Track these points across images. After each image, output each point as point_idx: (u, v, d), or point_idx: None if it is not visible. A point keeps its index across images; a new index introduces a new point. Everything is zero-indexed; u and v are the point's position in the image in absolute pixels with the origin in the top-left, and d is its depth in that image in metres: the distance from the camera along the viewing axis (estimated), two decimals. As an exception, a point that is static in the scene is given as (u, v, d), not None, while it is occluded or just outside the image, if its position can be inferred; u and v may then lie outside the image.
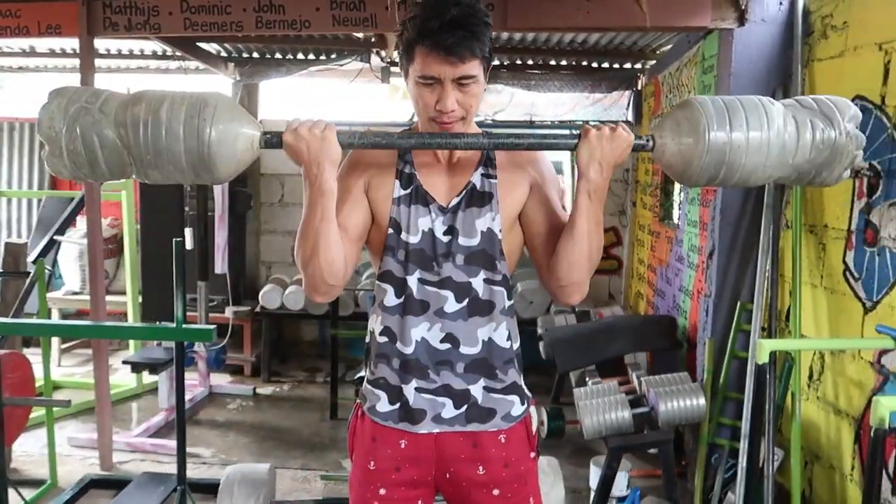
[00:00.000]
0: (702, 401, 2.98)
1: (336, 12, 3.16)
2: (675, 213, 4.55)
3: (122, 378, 4.81)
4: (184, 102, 1.30)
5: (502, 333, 1.50)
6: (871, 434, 1.61)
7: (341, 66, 4.53)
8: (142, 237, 4.03)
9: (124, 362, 3.89)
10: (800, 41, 2.99)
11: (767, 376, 2.09)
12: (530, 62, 5.24)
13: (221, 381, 5.02)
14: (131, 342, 4.78)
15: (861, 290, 2.69)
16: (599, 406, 3.04)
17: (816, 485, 2.89)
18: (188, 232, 4.09)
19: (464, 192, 1.47)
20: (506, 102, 5.38)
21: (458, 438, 1.49)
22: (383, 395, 1.50)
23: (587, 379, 3.58)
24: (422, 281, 1.46)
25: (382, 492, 1.50)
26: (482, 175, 1.48)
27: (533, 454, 1.57)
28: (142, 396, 4.69)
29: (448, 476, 1.51)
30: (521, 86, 5.25)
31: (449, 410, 1.48)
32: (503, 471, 1.50)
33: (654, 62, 4.95)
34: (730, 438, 3.25)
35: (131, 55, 5.22)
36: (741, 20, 3.06)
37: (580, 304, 5.16)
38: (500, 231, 1.48)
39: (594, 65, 5.27)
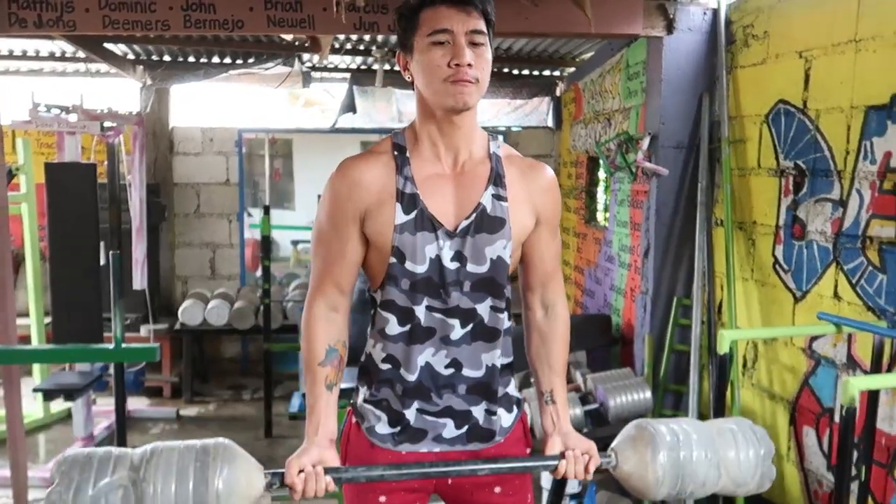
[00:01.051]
0: (648, 394, 3.09)
1: (271, 12, 3.04)
2: (602, 214, 4.71)
3: (25, 407, 4.40)
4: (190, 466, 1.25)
5: (502, 355, 1.47)
6: (843, 413, 1.72)
7: (267, 69, 4.37)
8: (51, 253, 3.70)
9: (35, 390, 3.55)
10: (723, 49, 3.18)
11: (728, 365, 2.21)
12: (453, 68, 5.26)
13: (140, 404, 4.69)
14: (35, 368, 4.38)
15: (791, 281, 2.88)
16: (551, 405, 3.08)
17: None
18: (102, 246, 3.79)
19: (473, 214, 1.37)
20: (429, 108, 5.38)
21: (458, 454, 1.46)
22: (384, 417, 1.45)
23: (532, 380, 3.61)
24: (430, 308, 1.39)
25: (382, 499, 1.45)
26: (493, 196, 1.39)
27: (529, 450, 1.57)
28: (51, 427, 4.31)
29: (450, 482, 1.47)
30: (445, 92, 5.26)
31: (450, 430, 1.44)
32: (516, 481, 1.49)
33: (573, 69, 5.11)
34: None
35: (25, 56, 4.81)
36: (669, 29, 3.21)
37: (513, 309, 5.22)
38: (510, 258, 1.41)
39: (514, 72, 5.38)
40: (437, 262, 1.37)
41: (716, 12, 3.20)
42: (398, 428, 1.44)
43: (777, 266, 2.95)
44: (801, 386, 2.83)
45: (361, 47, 4.44)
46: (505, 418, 1.48)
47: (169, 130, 5.39)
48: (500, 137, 1.49)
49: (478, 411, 1.45)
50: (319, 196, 1.48)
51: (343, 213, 1.37)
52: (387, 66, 4.42)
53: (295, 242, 8.50)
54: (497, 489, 1.48)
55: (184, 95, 5.51)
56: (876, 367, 2.31)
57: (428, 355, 1.41)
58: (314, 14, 3.05)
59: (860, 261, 2.53)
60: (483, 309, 1.40)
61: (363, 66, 5.16)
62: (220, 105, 5.76)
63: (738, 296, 3.11)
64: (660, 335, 3.42)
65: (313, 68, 5.04)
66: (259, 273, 5.89)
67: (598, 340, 3.84)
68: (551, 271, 1.50)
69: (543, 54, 4.92)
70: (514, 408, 1.52)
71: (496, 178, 1.40)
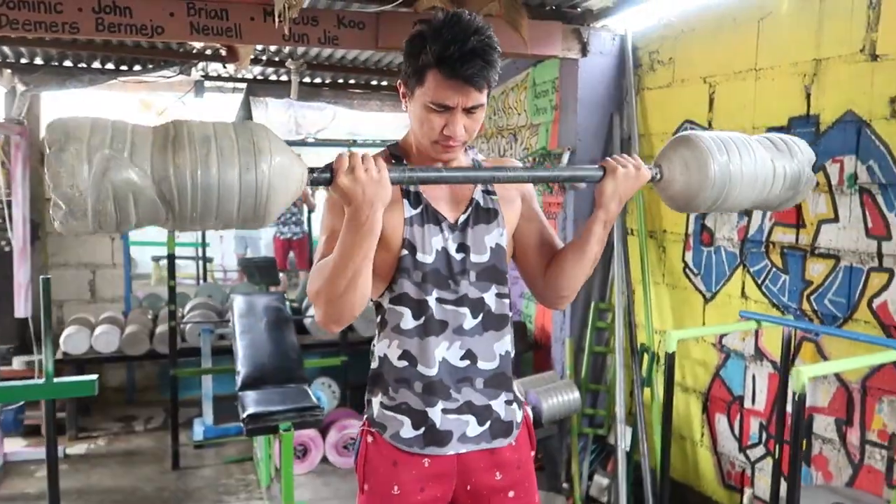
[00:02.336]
0: (576, 394, 3.27)
1: (194, 19, 2.89)
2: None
3: None
4: (234, 147, 1.10)
5: (511, 344, 1.54)
6: (794, 399, 1.95)
7: (169, 78, 4.11)
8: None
9: None
10: (631, 72, 3.46)
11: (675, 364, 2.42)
12: (353, 81, 5.25)
13: (15, 446, 4.20)
14: None
15: (701, 283, 3.19)
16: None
17: (664, 455, 3.31)
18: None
19: (469, 208, 1.49)
20: (329, 121, 5.31)
21: (480, 454, 1.50)
22: (406, 421, 1.46)
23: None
24: (440, 300, 1.45)
25: None
26: (483, 192, 1.51)
27: (533, 452, 1.64)
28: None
29: (469, 488, 1.51)
30: (344, 104, 5.24)
31: (473, 428, 1.48)
32: (517, 472, 1.54)
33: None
34: (589, 426, 3.60)
35: None
36: (584, 51, 3.44)
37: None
38: (507, 245, 1.52)
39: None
40: (444, 253, 1.45)
41: (623, 38, 3.47)
42: (423, 429, 1.46)
43: (687, 270, 3.25)
44: (712, 378, 3.14)
45: (264, 57, 4.31)
46: (519, 413, 1.55)
47: (40, 140, 4.88)
48: (474, 146, 1.60)
49: (497, 405, 1.50)
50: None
51: None
52: (306, 79, 4.32)
53: (156, 258, 7.99)
54: (511, 494, 1.53)
55: (58, 103, 5.02)
56: (786, 356, 2.62)
57: (443, 349, 1.45)
58: (241, 23, 2.94)
59: (765, 263, 2.86)
60: (490, 298, 1.48)
61: (259, 77, 5.01)
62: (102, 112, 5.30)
63: (652, 299, 3.39)
64: (579, 338, 3.63)
65: (206, 77, 4.81)
66: (141, 295, 5.51)
67: (519, 347, 3.98)
68: (551, 235, 1.60)
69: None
70: (520, 404, 1.58)
71: None
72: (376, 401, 1.51)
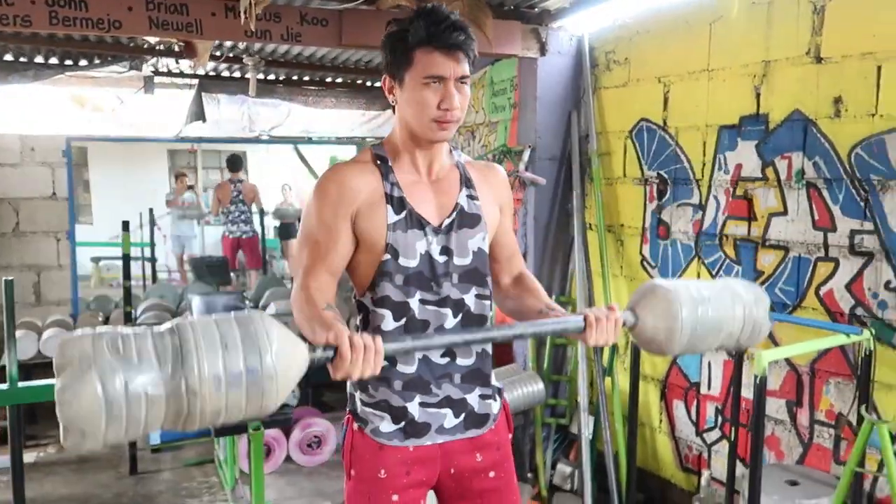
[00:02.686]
0: (541, 385, 3.35)
1: (153, 14, 2.83)
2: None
3: None
4: (241, 376, 1.12)
5: (490, 343, 1.58)
6: (756, 382, 2.07)
7: (121, 74, 3.99)
8: None
9: None
10: (588, 71, 3.55)
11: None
12: (307, 78, 5.21)
13: (-42, 457, 4.01)
14: None
15: (657, 275, 3.31)
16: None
17: (629, 441, 3.43)
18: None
19: (454, 213, 1.53)
20: (283, 118, 5.25)
21: (461, 441, 1.55)
22: (386, 416, 1.51)
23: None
24: (423, 301, 1.49)
25: (395, 497, 1.51)
26: (467, 196, 1.55)
27: (510, 434, 1.69)
28: None
29: (452, 472, 1.56)
30: (299, 101, 5.18)
31: (450, 420, 1.53)
32: (496, 453, 1.60)
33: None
34: (551, 416, 3.70)
35: None
36: (542, 51, 3.52)
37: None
38: (488, 248, 1.58)
39: (368, 83, 5.45)
40: (427, 256, 1.49)
41: (580, 39, 3.57)
42: (402, 423, 1.50)
43: (645, 263, 3.37)
44: (670, 366, 3.27)
45: (219, 53, 4.23)
46: (495, 406, 1.59)
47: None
48: (458, 147, 1.64)
49: (472, 398, 1.55)
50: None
51: (335, 212, 1.46)
52: (260, 75, 4.26)
53: (96, 259, 7.73)
54: (491, 474, 1.59)
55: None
56: (740, 344, 2.76)
57: None
58: (202, 19, 2.90)
59: (719, 255, 3.00)
60: (470, 299, 1.53)
61: (212, 73, 4.91)
62: (42, 111, 5.10)
63: (611, 291, 3.50)
64: (541, 331, 3.72)
65: (156, 72, 4.69)
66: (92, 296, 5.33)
67: (480, 341, 4.04)
68: (514, 249, 1.69)
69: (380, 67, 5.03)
70: (498, 396, 1.63)
71: (467, 182, 1.57)
72: (357, 396, 1.55)
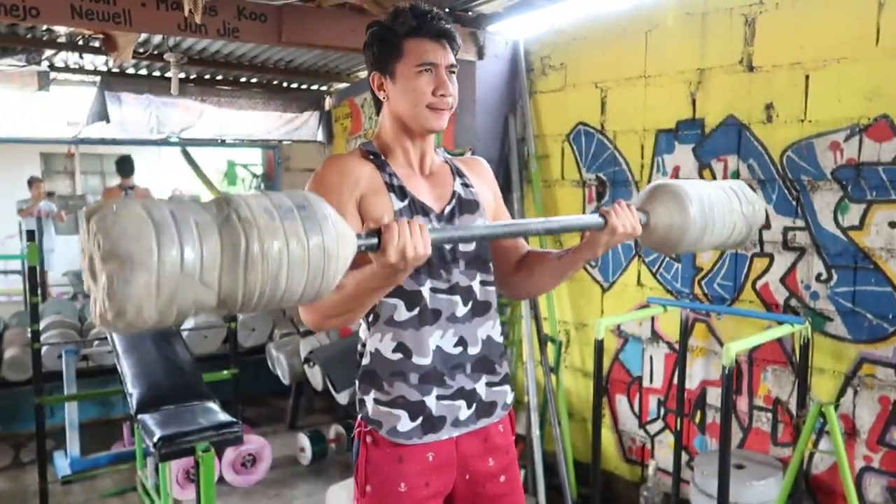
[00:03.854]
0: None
1: (76, 2, 2.58)
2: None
3: None
4: (305, 261, 1.03)
5: (497, 329, 1.59)
6: (724, 372, 2.17)
7: (20, 67, 3.59)
8: None
9: None
10: (524, 76, 3.61)
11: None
12: (220, 77, 4.96)
13: None
14: None
15: (598, 275, 3.41)
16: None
17: (573, 437, 3.52)
18: None
19: (453, 200, 1.53)
20: (195, 119, 4.95)
21: (472, 437, 1.54)
22: (403, 414, 1.47)
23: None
24: (434, 290, 1.47)
25: None
26: (462, 185, 1.57)
27: (513, 437, 1.69)
28: None
29: (468, 477, 1.54)
30: (212, 102, 4.92)
31: (464, 412, 1.52)
32: (506, 457, 1.60)
33: (346, 85, 5.20)
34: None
35: None
36: (480, 54, 3.54)
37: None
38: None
39: (284, 84, 5.27)
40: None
41: (516, 43, 3.62)
42: (420, 419, 1.47)
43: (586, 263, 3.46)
44: (612, 361, 3.38)
45: (141, 50, 3.93)
46: (503, 393, 1.59)
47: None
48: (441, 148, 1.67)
49: (480, 387, 1.54)
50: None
51: (340, 199, 1.41)
52: (182, 74, 3.98)
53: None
54: (502, 478, 1.59)
55: None
56: (684, 335, 2.90)
57: (437, 337, 1.48)
58: (131, 9, 2.68)
59: (658, 253, 3.13)
60: (476, 285, 1.53)
61: (115, 70, 4.56)
62: None
63: (553, 294, 3.57)
64: (482, 333, 3.73)
65: (52, 67, 4.29)
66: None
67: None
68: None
69: (313, 68, 4.89)
70: (511, 388, 1.64)
71: (458, 173, 1.59)
72: (369, 398, 1.51)
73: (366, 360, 1.50)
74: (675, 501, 3.03)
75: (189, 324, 4.35)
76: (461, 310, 1.49)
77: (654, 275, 3.15)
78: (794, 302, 2.69)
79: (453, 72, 1.46)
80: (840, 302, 2.56)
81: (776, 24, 2.67)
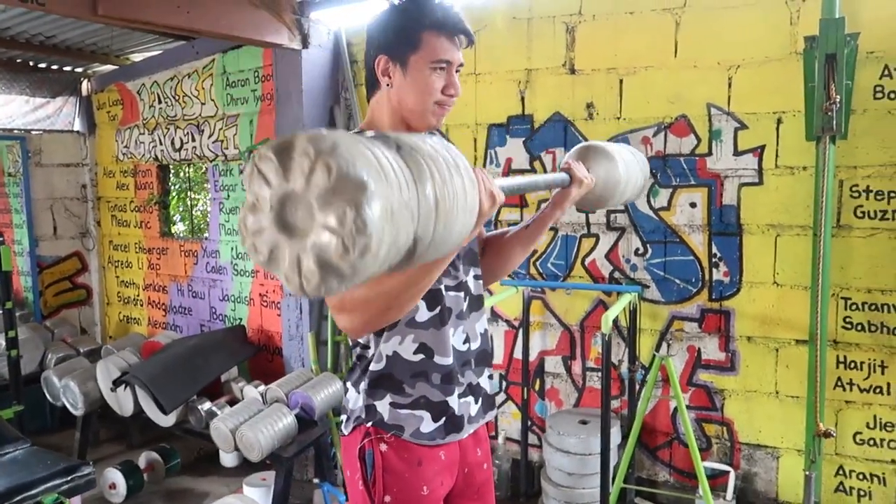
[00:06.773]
0: (339, 384, 3.31)
1: None
2: (179, 225, 4.45)
3: None
4: (466, 204, 1.01)
5: (486, 322, 1.62)
6: (604, 339, 2.45)
7: None
8: None
9: None
10: (348, 67, 3.58)
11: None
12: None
13: None
14: None
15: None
16: (264, 420, 2.97)
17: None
18: None
19: None
20: None
21: (481, 430, 1.57)
22: (426, 415, 1.43)
23: (199, 407, 3.27)
24: (447, 288, 1.46)
25: None
26: None
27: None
28: None
29: (466, 471, 1.56)
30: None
31: (474, 407, 1.53)
32: (486, 445, 1.65)
33: (114, 67, 4.57)
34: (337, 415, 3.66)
35: None
36: (305, 43, 3.41)
37: (86, 345, 4.39)
38: None
39: (31, 63, 4.45)
40: None
41: (337, 33, 3.56)
42: (443, 419, 1.45)
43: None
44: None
45: None
46: (494, 384, 1.64)
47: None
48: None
49: (483, 381, 1.56)
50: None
51: None
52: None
53: None
54: (485, 465, 1.64)
55: None
56: (526, 312, 3.19)
57: (450, 335, 1.47)
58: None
59: (495, 239, 3.37)
60: (470, 280, 1.54)
61: None
62: None
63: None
64: (318, 331, 3.63)
65: None
66: None
67: (247, 350, 3.74)
68: None
69: (75, 46, 4.23)
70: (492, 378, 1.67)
71: None
72: (383, 403, 1.42)
73: (380, 366, 1.42)
74: (524, 465, 3.33)
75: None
76: (464, 306, 1.48)
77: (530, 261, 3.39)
78: (617, 274, 3.13)
79: (458, 71, 1.43)
80: (654, 271, 3.06)
81: (593, 34, 3.05)
